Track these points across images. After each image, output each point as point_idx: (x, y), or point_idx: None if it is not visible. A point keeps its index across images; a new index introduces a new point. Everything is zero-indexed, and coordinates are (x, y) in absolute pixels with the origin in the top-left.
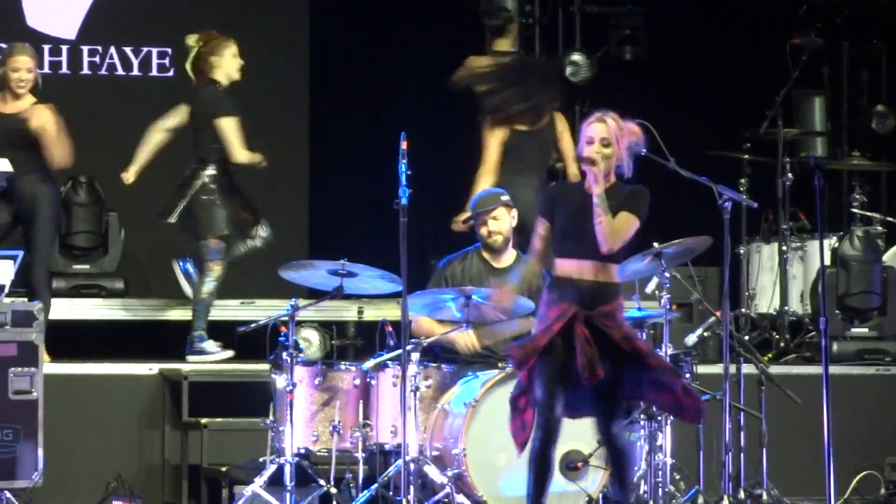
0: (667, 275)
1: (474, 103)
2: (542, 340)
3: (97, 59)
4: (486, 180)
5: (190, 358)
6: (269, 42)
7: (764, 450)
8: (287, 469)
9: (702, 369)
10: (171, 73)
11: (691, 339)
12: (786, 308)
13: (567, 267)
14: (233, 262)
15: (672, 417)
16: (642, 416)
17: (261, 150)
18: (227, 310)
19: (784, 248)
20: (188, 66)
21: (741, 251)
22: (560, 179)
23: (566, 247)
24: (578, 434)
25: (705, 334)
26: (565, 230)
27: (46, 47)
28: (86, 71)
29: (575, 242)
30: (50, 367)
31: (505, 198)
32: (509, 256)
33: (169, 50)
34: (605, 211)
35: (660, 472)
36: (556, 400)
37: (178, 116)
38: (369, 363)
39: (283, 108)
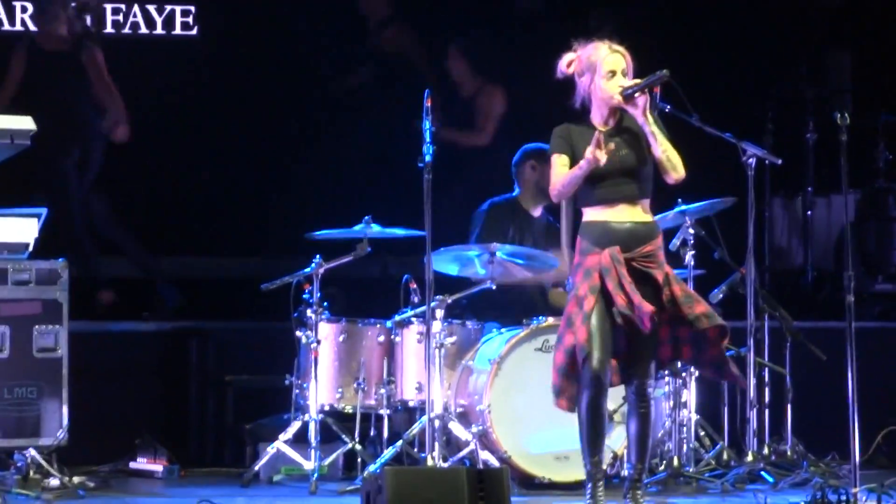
0: (691, 231)
1: (503, 60)
2: (588, 300)
3: (120, 17)
4: None
5: None
6: None
7: (788, 406)
8: (311, 426)
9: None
10: (194, 32)
11: (716, 296)
12: (810, 264)
13: (600, 213)
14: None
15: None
16: (666, 371)
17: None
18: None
19: (808, 204)
20: None
21: (765, 207)
22: None
23: (596, 194)
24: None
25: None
26: (593, 176)
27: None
28: (109, 29)
29: (606, 188)
30: (74, 324)
31: None
32: (540, 210)
33: (192, 8)
34: (666, 139)
35: (684, 429)
36: (606, 353)
37: None
38: (394, 319)
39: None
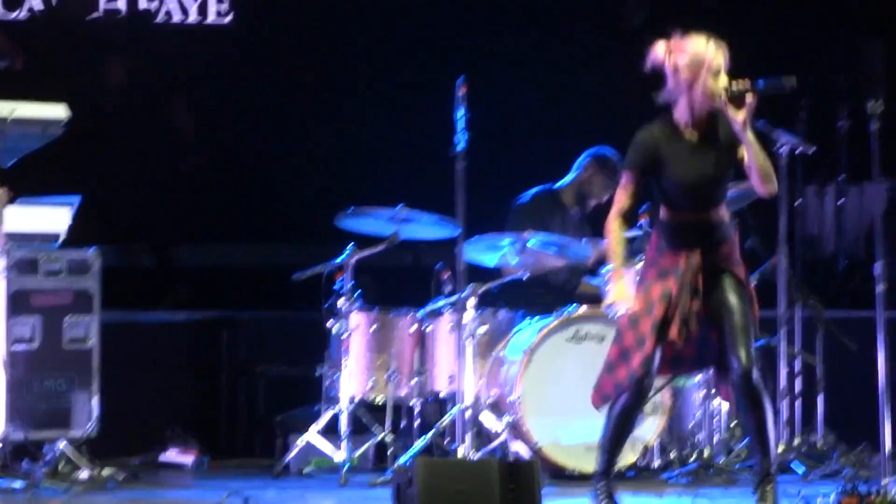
0: None
1: (534, 48)
2: (658, 307)
3: (154, 5)
4: None
5: None
6: None
7: (820, 395)
8: (342, 417)
9: (759, 314)
10: (228, 20)
11: None
12: (842, 253)
13: (683, 216)
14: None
15: None
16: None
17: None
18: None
19: (840, 192)
20: None
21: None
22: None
23: (683, 200)
24: None
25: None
26: (682, 184)
27: None
28: None
29: (695, 196)
30: (105, 314)
31: None
32: (576, 207)
33: None
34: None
35: (715, 419)
36: (656, 361)
37: None
38: (426, 309)
39: (341, 48)
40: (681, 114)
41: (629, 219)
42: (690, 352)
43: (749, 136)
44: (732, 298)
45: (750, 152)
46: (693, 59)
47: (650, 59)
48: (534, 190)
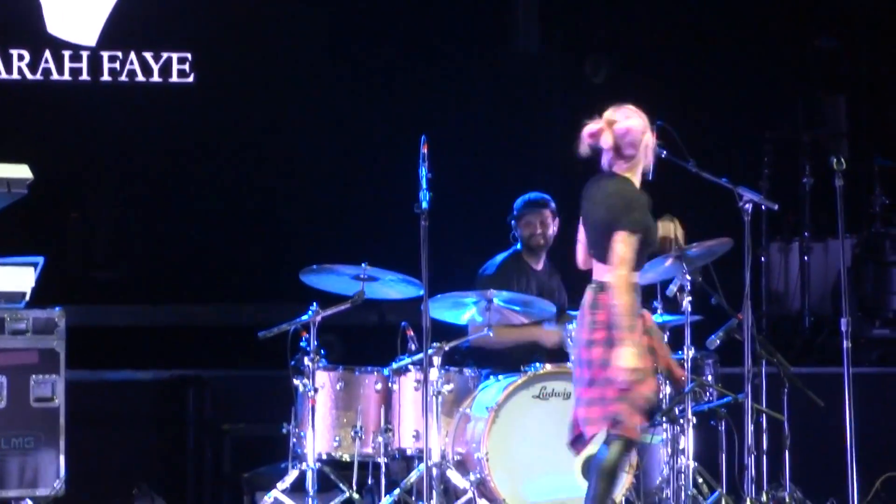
0: (688, 277)
1: (497, 106)
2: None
3: (117, 65)
4: None
5: None
6: (292, 42)
7: (786, 452)
8: (309, 475)
9: (724, 370)
10: (191, 79)
11: (713, 342)
12: (807, 309)
13: (636, 278)
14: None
15: None
16: (664, 419)
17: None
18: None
19: (805, 249)
20: None
21: (762, 253)
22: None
23: (642, 262)
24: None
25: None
26: (652, 246)
27: (67, 53)
28: (106, 77)
29: (648, 258)
30: (71, 373)
31: (553, 205)
32: (543, 261)
33: (189, 55)
34: None
35: (682, 476)
36: None
37: None
38: (391, 367)
39: (303, 107)
40: (641, 178)
41: None
42: None
43: None
44: None
45: None
46: (639, 125)
47: (591, 136)
48: (499, 258)
